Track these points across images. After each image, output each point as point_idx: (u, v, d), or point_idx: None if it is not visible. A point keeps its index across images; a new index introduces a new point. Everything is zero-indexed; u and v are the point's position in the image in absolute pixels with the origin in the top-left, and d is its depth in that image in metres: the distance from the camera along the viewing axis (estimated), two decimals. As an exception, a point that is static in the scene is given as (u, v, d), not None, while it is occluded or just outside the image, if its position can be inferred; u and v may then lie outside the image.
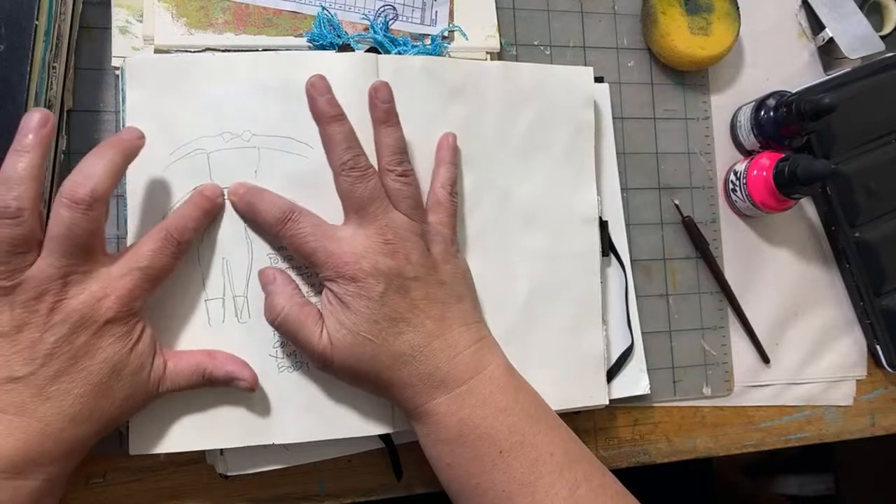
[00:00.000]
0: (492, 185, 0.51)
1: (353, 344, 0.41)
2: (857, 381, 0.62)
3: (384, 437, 0.49)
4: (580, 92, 0.53)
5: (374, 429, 0.47)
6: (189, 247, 0.43)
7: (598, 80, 0.58)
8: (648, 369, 0.56)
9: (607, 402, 0.53)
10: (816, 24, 0.63)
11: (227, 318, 0.45)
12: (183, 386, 0.42)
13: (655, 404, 0.57)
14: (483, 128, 0.51)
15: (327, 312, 0.42)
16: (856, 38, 0.62)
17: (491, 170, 0.51)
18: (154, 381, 0.41)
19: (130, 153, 0.41)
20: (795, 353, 0.61)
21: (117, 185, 0.40)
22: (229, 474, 0.47)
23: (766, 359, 0.60)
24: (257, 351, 0.45)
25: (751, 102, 0.60)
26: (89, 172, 0.38)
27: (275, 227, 0.43)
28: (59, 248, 0.37)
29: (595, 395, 0.53)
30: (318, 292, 0.46)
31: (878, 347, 0.61)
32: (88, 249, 0.39)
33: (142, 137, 0.41)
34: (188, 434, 0.44)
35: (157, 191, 0.45)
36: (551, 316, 0.52)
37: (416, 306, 0.42)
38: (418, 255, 0.43)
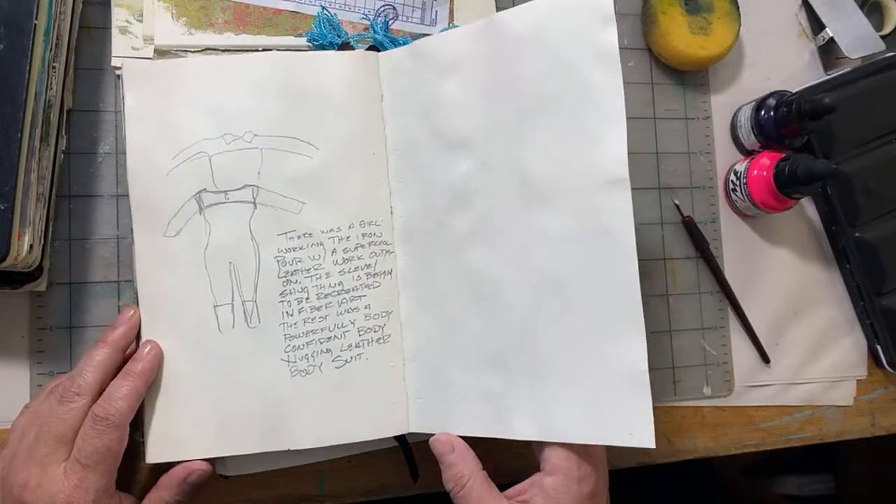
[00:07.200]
0: (491, 161, 0.45)
1: None
2: (858, 381, 0.62)
3: (399, 438, 0.48)
4: (593, 12, 0.41)
5: (389, 430, 0.46)
6: (122, 417, 0.41)
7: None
8: (649, 369, 0.56)
9: (653, 445, 0.40)
10: (816, 24, 0.63)
11: (236, 324, 0.45)
12: None
13: (655, 404, 0.56)
14: (478, 99, 0.45)
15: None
16: (856, 37, 0.61)
17: (490, 143, 0.45)
18: None
19: (126, 343, 0.43)
20: (795, 353, 0.61)
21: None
22: (229, 474, 0.47)
23: (766, 359, 0.60)
24: (268, 356, 0.45)
25: (751, 102, 0.60)
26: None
27: None
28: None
29: (636, 429, 0.41)
30: (330, 293, 0.46)
31: (878, 347, 0.61)
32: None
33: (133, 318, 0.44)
34: (204, 441, 0.44)
35: (161, 196, 0.45)
36: (572, 316, 0.42)
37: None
38: None
